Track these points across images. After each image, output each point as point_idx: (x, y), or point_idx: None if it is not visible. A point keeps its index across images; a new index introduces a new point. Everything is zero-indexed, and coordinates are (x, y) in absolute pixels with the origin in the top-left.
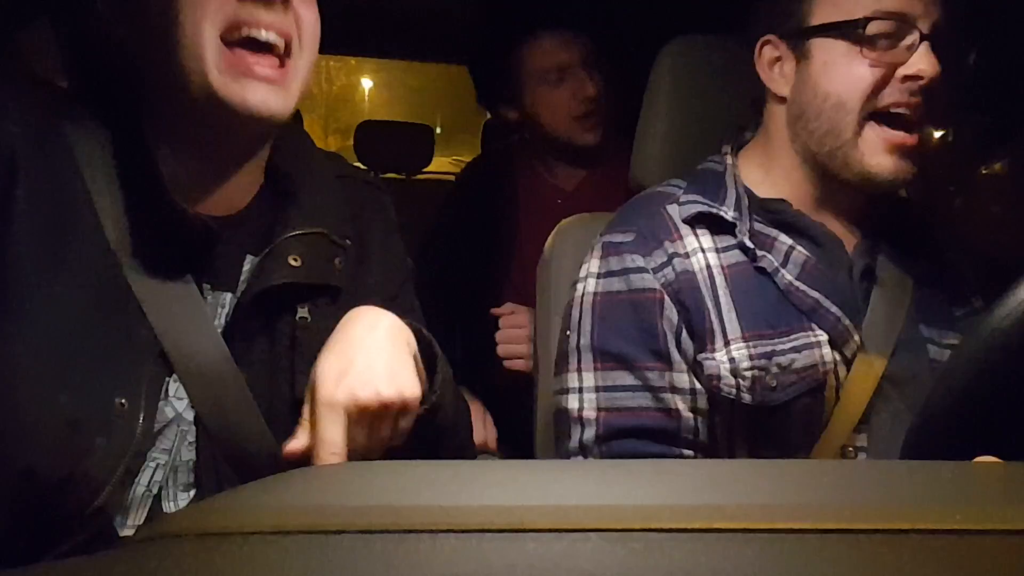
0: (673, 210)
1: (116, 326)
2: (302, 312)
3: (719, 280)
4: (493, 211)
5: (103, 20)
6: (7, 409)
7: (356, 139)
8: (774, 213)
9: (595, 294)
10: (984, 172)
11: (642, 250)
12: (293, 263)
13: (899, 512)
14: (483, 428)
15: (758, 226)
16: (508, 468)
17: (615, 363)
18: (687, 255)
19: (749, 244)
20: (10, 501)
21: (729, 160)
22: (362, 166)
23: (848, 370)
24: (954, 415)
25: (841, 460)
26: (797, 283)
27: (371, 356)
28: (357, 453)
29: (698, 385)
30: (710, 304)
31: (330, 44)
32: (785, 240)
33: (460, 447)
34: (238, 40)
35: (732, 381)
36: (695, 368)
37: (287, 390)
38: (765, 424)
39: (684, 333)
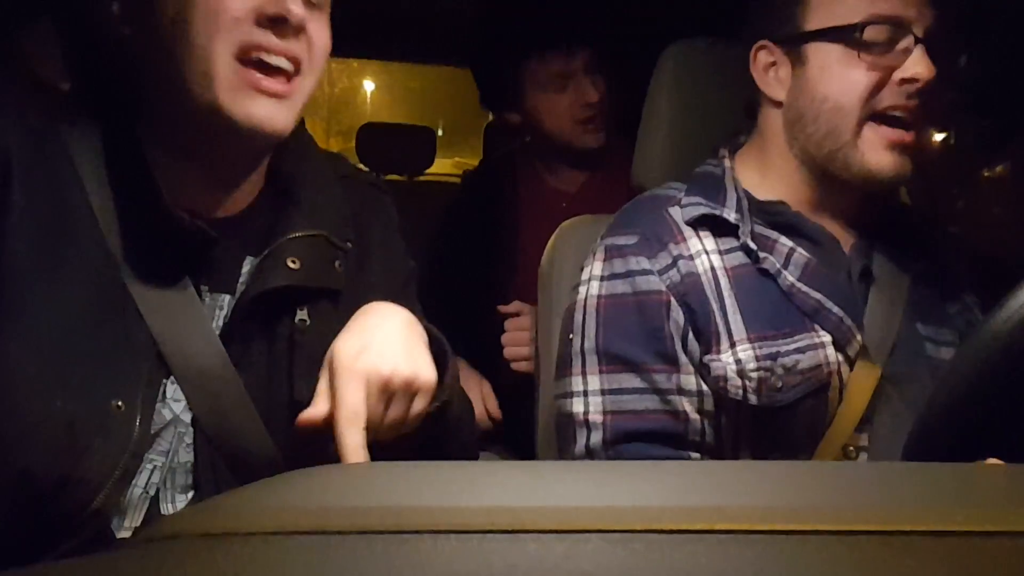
0: (675, 212)
1: (114, 328)
2: (301, 315)
3: (723, 282)
4: (496, 214)
5: (108, 22)
6: (4, 411)
7: (358, 141)
8: (773, 215)
9: (599, 297)
10: (986, 174)
11: (647, 252)
12: (292, 265)
13: (901, 514)
14: (481, 400)
15: (758, 228)
16: (509, 469)
17: (621, 366)
18: (691, 257)
19: (752, 245)
20: (7, 503)
21: (727, 163)
22: (364, 168)
23: (851, 370)
24: (956, 417)
25: (842, 462)
26: (799, 284)
27: (389, 337)
28: (372, 429)
29: (705, 387)
30: (715, 306)
31: (332, 47)
32: (786, 242)
33: (464, 446)
34: (249, 61)
35: (739, 382)
36: (701, 370)
37: (285, 392)
38: (770, 425)
39: (690, 335)
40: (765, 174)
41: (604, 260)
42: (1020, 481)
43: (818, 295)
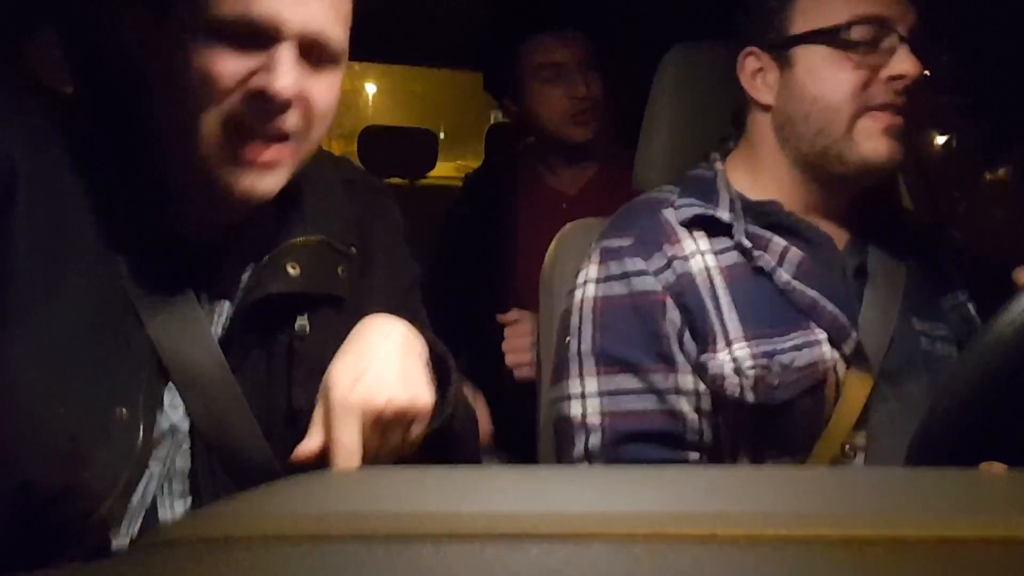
0: (669, 214)
1: (114, 335)
2: (301, 322)
3: (718, 281)
4: (496, 217)
5: (112, 31)
6: (6, 421)
7: (360, 144)
8: (766, 215)
9: (595, 299)
10: (988, 177)
11: (642, 253)
12: (291, 272)
13: (903, 519)
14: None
15: (752, 228)
16: (511, 474)
17: (619, 367)
18: (686, 258)
19: (747, 243)
20: (10, 513)
21: (719, 166)
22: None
23: (847, 367)
24: (959, 422)
25: (845, 466)
26: (794, 282)
27: (385, 362)
28: (369, 459)
29: (702, 386)
30: (711, 305)
31: None
32: (779, 241)
33: (468, 458)
34: (236, 130)
35: (736, 380)
36: (698, 369)
37: (283, 400)
38: (768, 423)
39: (687, 335)
40: (757, 177)
41: (600, 263)
42: (1022, 487)
43: (813, 292)
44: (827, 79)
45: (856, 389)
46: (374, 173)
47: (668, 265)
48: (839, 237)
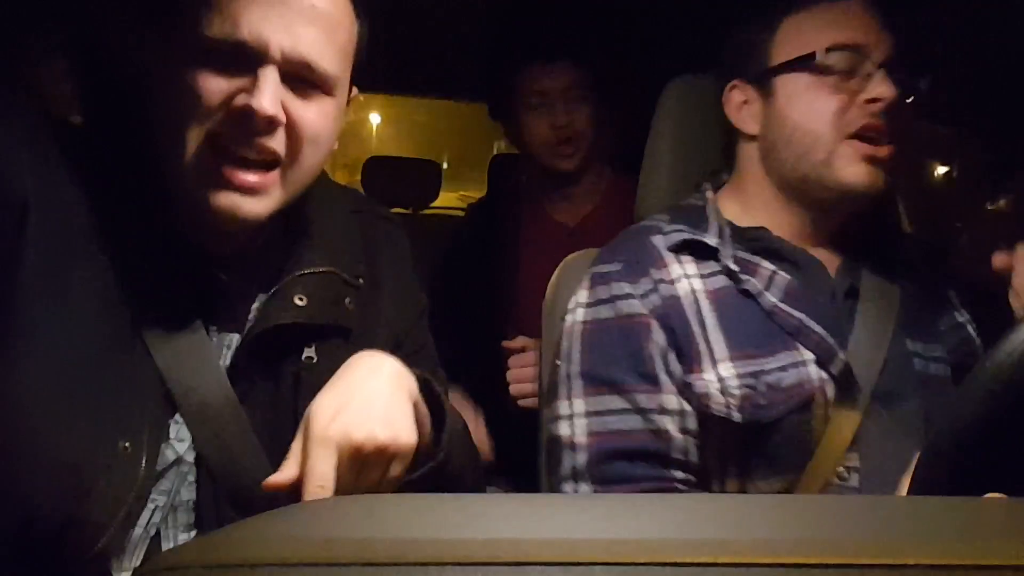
0: (658, 240)
1: (122, 367)
2: (308, 352)
3: (704, 304)
4: (498, 246)
5: (119, 62)
6: (9, 451)
7: (364, 174)
8: (755, 241)
9: (584, 323)
10: (989, 208)
11: (629, 278)
12: (299, 303)
13: (903, 547)
14: (475, 431)
15: (741, 254)
16: (513, 501)
17: (605, 388)
18: (672, 281)
19: (733, 267)
20: (11, 545)
21: (709, 195)
22: None
23: (836, 388)
24: (959, 452)
25: (845, 495)
26: (781, 305)
27: (369, 398)
28: (343, 494)
29: (687, 406)
30: (696, 327)
31: None
32: (768, 266)
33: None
34: (220, 151)
35: (722, 399)
36: (685, 389)
37: (289, 430)
38: (757, 442)
39: (672, 355)
40: (746, 206)
41: (589, 288)
42: (1022, 515)
43: (800, 315)
44: (807, 105)
45: (847, 410)
46: (378, 203)
47: (654, 288)
48: (831, 261)
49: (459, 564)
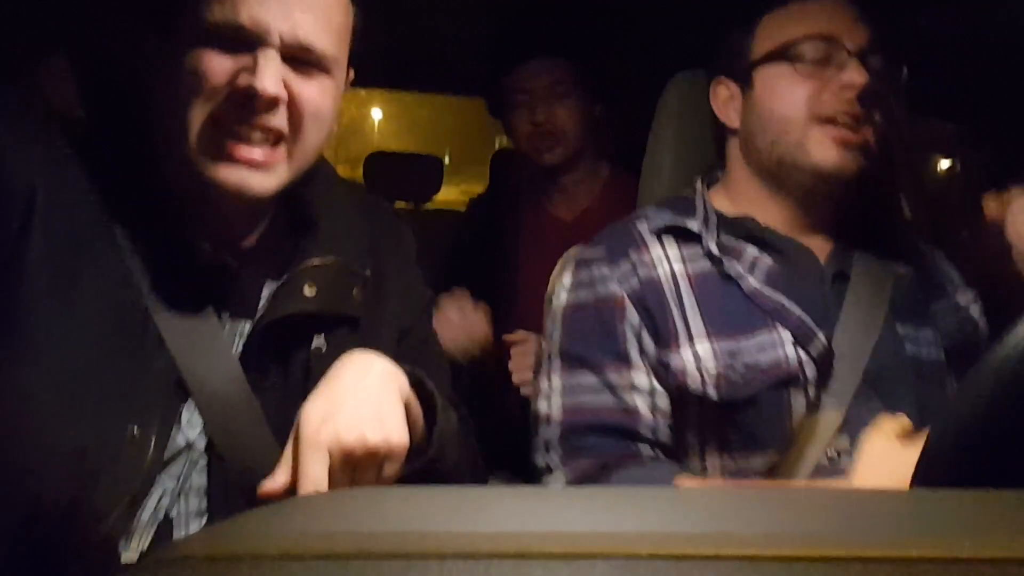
0: (642, 225)
1: (134, 354)
2: (318, 342)
3: (683, 285)
4: (500, 241)
5: (121, 58)
6: (15, 437)
7: (365, 169)
8: (742, 228)
9: (565, 305)
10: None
11: (608, 261)
12: (308, 292)
13: (908, 540)
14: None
15: (727, 240)
16: (516, 494)
17: (579, 365)
18: (652, 264)
19: (715, 251)
20: (17, 528)
21: (699, 186)
22: None
23: (817, 369)
24: (963, 446)
25: (852, 488)
26: (762, 288)
27: (359, 400)
28: None
29: (658, 386)
30: (674, 307)
31: None
32: (752, 251)
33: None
34: (224, 129)
35: (698, 377)
36: (659, 369)
37: None
38: (735, 420)
39: (645, 334)
40: (734, 199)
41: (573, 272)
42: None
43: (780, 297)
44: (782, 93)
45: (838, 394)
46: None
47: (632, 271)
48: (822, 248)
49: (461, 557)
